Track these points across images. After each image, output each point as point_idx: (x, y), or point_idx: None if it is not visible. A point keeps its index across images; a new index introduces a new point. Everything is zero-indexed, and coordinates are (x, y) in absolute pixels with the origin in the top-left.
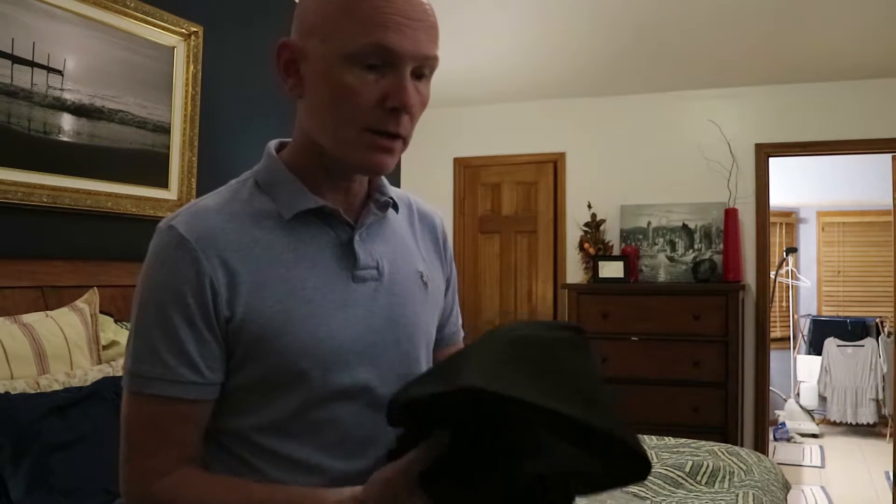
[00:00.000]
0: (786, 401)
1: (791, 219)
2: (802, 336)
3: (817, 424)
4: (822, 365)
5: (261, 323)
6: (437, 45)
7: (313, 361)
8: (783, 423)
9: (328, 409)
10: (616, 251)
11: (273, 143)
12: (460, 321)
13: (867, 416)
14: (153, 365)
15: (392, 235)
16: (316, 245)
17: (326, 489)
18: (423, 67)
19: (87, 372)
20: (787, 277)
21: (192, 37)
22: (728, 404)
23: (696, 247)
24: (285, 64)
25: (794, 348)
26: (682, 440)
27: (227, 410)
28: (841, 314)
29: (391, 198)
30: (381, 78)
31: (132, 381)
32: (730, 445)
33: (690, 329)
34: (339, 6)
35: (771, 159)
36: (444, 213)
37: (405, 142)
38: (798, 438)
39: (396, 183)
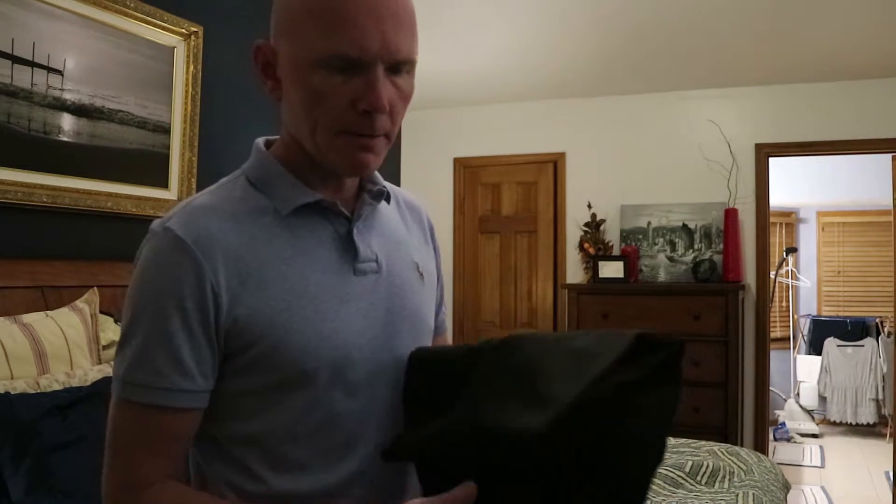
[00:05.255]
0: (786, 401)
1: (791, 219)
2: (802, 336)
3: (817, 424)
4: (821, 365)
5: (265, 323)
6: (411, 41)
7: (319, 360)
8: (783, 423)
9: (331, 408)
10: (616, 251)
11: (261, 140)
12: (445, 312)
13: (867, 416)
14: (146, 372)
15: (385, 226)
16: (315, 240)
17: None
18: (399, 65)
19: (87, 372)
20: (787, 277)
21: (192, 37)
22: (728, 404)
23: (696, 247)
24: (263, 66)
25: (794, 348)
26: (682, 440)
27: (233, 416)
28: (841, 314)
29: (384, 187)
30: (350, 79)
31: (124, 388)
32: (730, 445)
33: (690, 329)
34: (301, 6)
35: (771, 159)
36: (444, 213)
37: (388, 138)
38: (798, 438)
39: (396, 183)
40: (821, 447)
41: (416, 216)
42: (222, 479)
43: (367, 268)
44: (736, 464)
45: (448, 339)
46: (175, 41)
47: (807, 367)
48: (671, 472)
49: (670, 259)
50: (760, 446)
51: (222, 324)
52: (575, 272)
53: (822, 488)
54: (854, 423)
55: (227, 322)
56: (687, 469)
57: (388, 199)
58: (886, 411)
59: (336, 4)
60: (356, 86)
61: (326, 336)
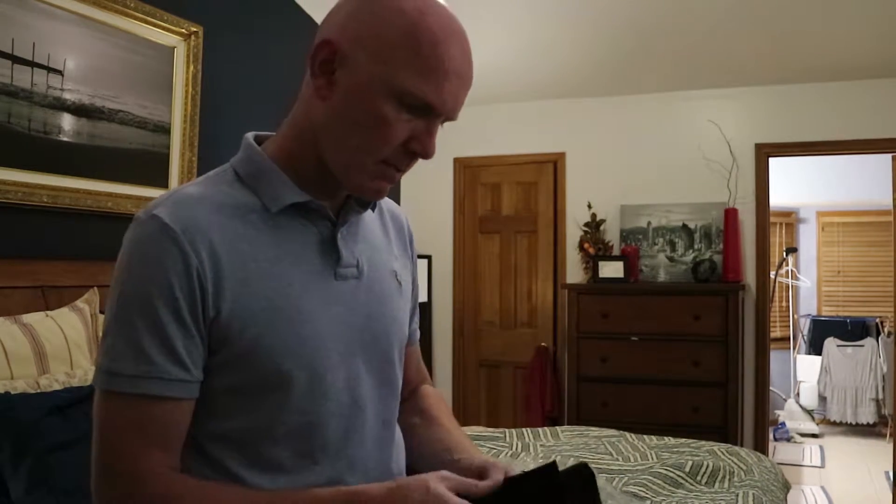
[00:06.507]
0: (786, 401)
1: (791, 219)
2: (802, 336)
3: (817, 424)
4: (821, 365)
5: (246, 320)
6: None
7: (297, 361)
8: (783, 423)
9: (310, 411)
10: (616, 251)
11: (250, 135)
12: (417, 322)
13: (867, 416)
14: (137, 362)
15: (367, 233)
16: (300, 241)
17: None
18: (446, 120)
19: (87, 372)
20: (787, 277)
21: (192, 37)
22: (728, 404)
23: (695, 247)
24: (322, 61)
25: (794, 348)
26: (682, 440)
27: (211, 413)
28: (841, 314)
29: None
30: (413, 119)
31: (111, 380)
32: (730, 445)
33: (690, 329)
34: (404, 36)
35: (771, 159)
36: (444, 213)
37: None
38: (798, 438)
39: (396, 184)
40: (821, 447)
41: (398, 225)
42: (198, 477)
43: (348, 273)
44: (736, 464)
45: (419, 351)
46: (175, 41)
47: (807, 367)
48: (671, 472)
49: (670, 259)
50: (760, 446)
51: (208, 317)
52: (575, 272)
53: (822, 488)
54: (854, 423)
55: (211, 314)
56: (687, 469)
57: (372, 208)
58: (886, 411)
59: (440, 53)
60: (416, 127)
61: (305, 337)
